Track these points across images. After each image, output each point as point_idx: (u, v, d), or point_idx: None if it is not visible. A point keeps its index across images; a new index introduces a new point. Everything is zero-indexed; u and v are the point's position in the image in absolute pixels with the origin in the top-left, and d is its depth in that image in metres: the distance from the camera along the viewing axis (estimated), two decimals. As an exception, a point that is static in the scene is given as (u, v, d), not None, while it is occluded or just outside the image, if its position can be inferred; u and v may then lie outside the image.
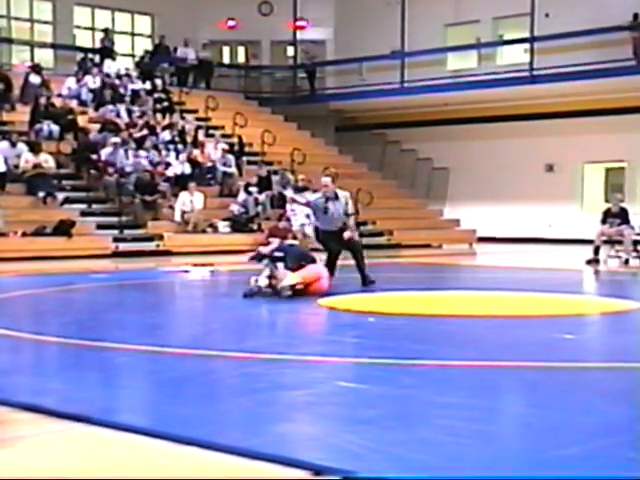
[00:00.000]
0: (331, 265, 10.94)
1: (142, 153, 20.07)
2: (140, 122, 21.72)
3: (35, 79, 22.09)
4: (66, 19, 26.51)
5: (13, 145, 18.58)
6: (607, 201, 20.39)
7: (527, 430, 4.36)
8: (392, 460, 3.69)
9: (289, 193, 20.31)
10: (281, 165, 22.99)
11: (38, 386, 5.36)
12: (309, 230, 18.84)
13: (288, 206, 19.59)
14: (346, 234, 10.93)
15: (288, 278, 9.89)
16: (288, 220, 19.21)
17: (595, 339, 7.82)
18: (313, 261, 10.43)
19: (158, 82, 24.60)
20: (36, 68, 22.56)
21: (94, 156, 19.50)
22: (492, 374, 5.70)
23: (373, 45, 26.64)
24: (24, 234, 16.80)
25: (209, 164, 21.12)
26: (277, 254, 10.10)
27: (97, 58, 24.90)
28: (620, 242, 16.51)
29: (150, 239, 18.19)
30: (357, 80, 27.45)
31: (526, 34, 24.71)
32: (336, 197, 11.12)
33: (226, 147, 22.08)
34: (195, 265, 12.54)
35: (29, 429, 4.34)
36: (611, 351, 6.88)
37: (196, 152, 21.36)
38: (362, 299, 9.61)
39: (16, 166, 18.32)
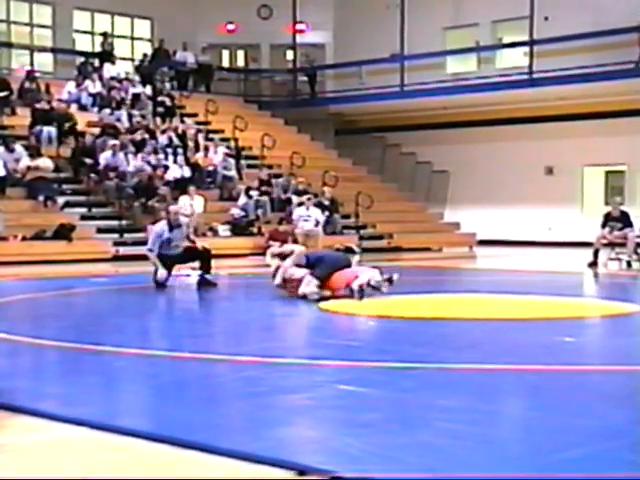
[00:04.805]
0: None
1: (142, 157, 20.08)
2: (139, 126, 21.73)
3: (31, 85, 22.16)
4: (66, 23, 26.53)
5: (11, 151, 18.57)
6: (607, 204, 20.38)
7: (527, 433, 4.35)
8: (392, 463, 3.69)
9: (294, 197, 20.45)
10: (281, 169, 23.01)
11: (38, 390, 5.35)
12: (317, 229, 18.75)
13: (299, 210, 19.41)
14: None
15: (310, 286, 9.95)
16: (289, 222, 19.15)
17: (596, 342, 7.81)
18: (348, 265, 10.46)
19: (166, 85, 24.68)
20: (30, 74, 22.62)
21: (90, 160, 19.48)
22: (492, 377, 5.70)
23: (373, 48, 26.65)
24: (24, 238, 16.80)
25: (210, 168, 21.14)
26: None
27: (97, 62, 24.93)
28: (622, 245, 16.46)
29: (150, 243, 18.16)
30: (357, 83, 27.46)
31: (525, 37, 24.71)
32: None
33: (227, 151, 22.10)
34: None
35: (29, 433, 4.33)
36: (612, 354, 6.87)
37: (198, 156, 21.38)
38: (362, 303, 9.60)
39: (15, 170, 18.34)
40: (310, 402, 4.88)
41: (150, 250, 11.75)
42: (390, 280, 10.03)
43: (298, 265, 10.24)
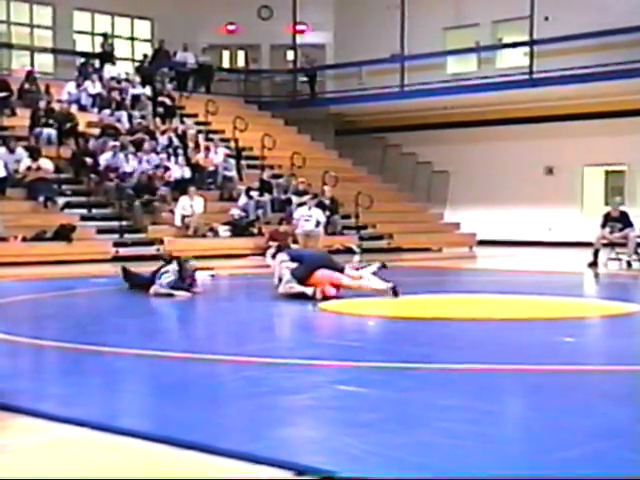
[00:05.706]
0: None
1: (143, 157, 20.09)
2: (139, 126, 21.74)
3: (31, 85, 22.17)
4: (66, 24, 26.54)
5: (11, 152, 18.58)
6: (607, 204, 20.37)
7: (528, 432, 4.36)
8: (392, 463, 3.69)
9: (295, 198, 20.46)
10: (281, 169, 23.01)
11: (38, 391, 5.35)
12: (318, 230, 18.76)
13: (300, 210, 19.40)
14: None
15: (288, 286, 9.97)
16: (289, 223, 19.16)
17: (596, 342, 7.81)
18: (329, 264, 10.46)
19: (166, 86, 24.70)
20: (30, 75, 22.63)
21: (90, 160, 19.48)
22: (492, 377, 5.70)
23: (373, 49, 26.66)
24: (24, 239, 16.79)
25: (211, 168, 21.14)
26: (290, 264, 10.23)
27: (97, 63, 24.93)
28: (622, 245, 16.44)
29: (150, 243, 18.18)
30: (357, 84, 27.48)
31: (525, 37, 24.73)
32: None
33: (227, 151, 22.11)
34: (195, 269, 12.51)
35: (29, 434, 4.34)
36: (612, 354, 6.87)
37: (198, 156, 21.38)
38: (362, 303, 9.61)
39: (16, 171, 18.35)
40: (310, 402, 4.88)
41: (162, 286, 10.79)
42: (384, 266, 10.40)
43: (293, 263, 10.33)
